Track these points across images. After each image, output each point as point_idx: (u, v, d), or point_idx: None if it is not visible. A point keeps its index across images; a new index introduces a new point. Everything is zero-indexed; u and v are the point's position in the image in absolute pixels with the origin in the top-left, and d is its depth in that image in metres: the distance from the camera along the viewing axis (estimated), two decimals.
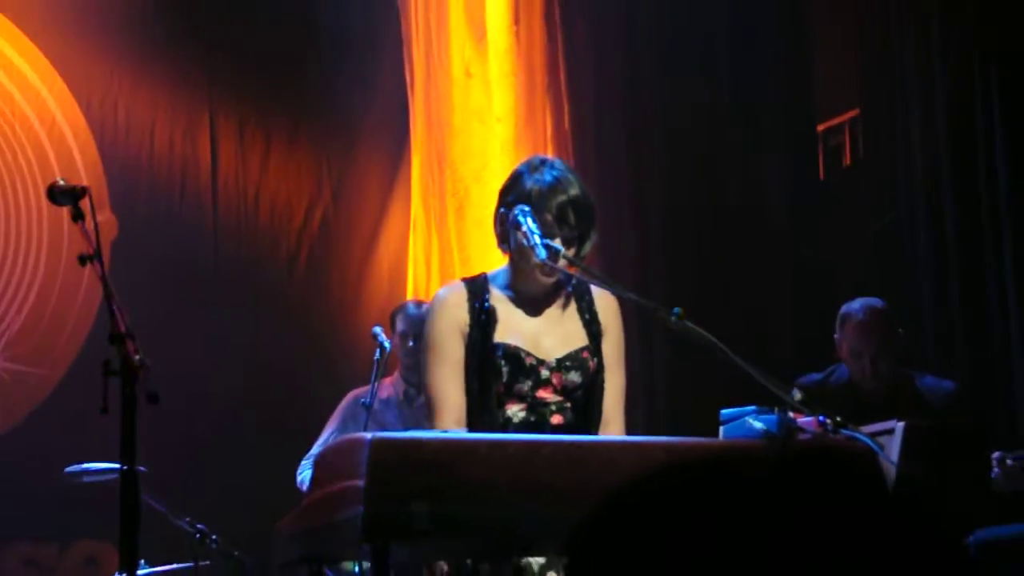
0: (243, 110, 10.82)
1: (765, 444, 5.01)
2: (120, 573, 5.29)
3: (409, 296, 9.83)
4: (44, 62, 10.50)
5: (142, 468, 5.35)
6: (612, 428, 5.76)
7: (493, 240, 5.91)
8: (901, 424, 6.04)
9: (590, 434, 5.67)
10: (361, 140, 10.94)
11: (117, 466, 5.41)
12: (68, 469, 8.02)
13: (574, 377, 5.67)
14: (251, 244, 10.66)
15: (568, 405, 5.67)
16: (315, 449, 7.95)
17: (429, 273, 10.04)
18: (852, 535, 1.35)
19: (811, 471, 1.42)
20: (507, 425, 5.62)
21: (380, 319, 8.97)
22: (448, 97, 10.58)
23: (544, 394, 5.64)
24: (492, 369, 5.62)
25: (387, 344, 8.36)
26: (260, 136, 10.82)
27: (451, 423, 5.60)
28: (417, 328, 7.88)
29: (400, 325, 8.51)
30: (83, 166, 10.27)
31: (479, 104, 10.51)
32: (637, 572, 1.37)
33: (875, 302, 7.91)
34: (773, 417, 5.22)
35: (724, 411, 5.37)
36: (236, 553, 8.44)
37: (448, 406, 5.63)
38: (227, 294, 10.33)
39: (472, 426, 5.60)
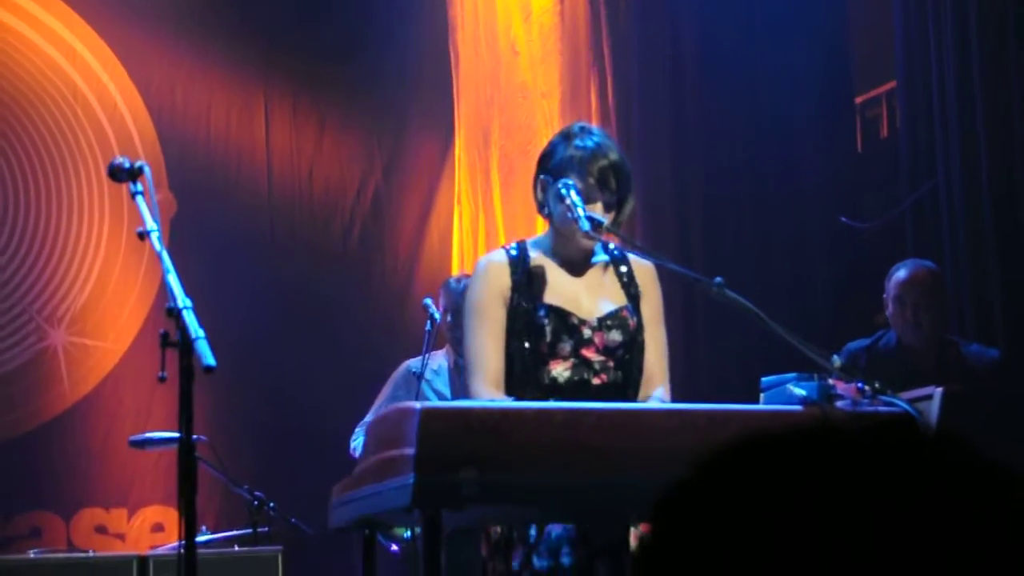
0: (296, 91, 10.84)
1: (805, 411, 5.00)
2: (181, 539, 5.32)
3: (455, 270, 9.81)
4: (104, 48, 10.54)
5: (202, 437, 5.39)
6: (656, 383, 5.78)
7: (538, 214, 5.92)
8: (939, 390, 5.99)
9: (633, 393, 5.69)
10: (410, 118, 10.93)
11: (174, 435, 5.43)
12: (132, 438, 8.04)
13: (616, 336, 5.66)
14: (305, 220, 10.69)
15: (611, 364, 5.66)
16: (368, 417, 7.96)
17: (476, 247, 10.04)
18: (901, 504, 1.34)
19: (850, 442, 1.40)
20: (553, 384, 5.60)
21: (431, 290, 8.98)
22: (494, 74, 10.61)
23: (588, 353, 5.63)
24: (536, 329, 5.61)
25: (437, 315, 8.37)
26: (314, 116, 10.85)
27: (489, 384, 5.60)
28: (457, 303, 7.88)
29: (442, 301, 8.51)
30: (142, 147, 10.30)
31: (524, 80, 10.53)
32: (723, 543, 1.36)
33: (924, 262, 7.90)
34: (813, 384, 5.22)
35: (765, 379, 5.36)
36: (293, 519, 8.47)
37: (487, 368, 5.63)
38: (283, 269, 10.34)
39: (518, 386, 5.60)
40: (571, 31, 10.36)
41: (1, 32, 10.39)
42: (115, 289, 10.36)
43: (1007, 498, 1.35)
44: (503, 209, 10.16)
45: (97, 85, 10.53)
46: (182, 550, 5.28)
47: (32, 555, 8.15)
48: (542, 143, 9.23)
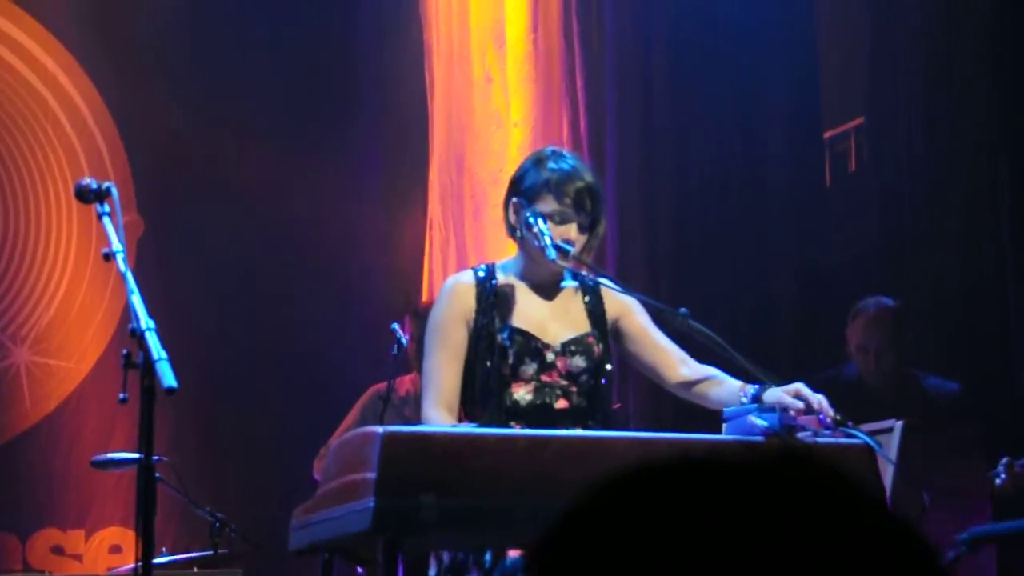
0: (270, 116, 10.81)
1: (766, 442, 5.01)
2: (138, 561, 5.31)
3: (425, 295, 9.82)
4: (77, 68, 10.54)
5: (163, 458, 5.37)
6: (691, 368, 5.76)
7: (510, 241, 5.94)
8: (900, 423, 6.03)
9: (598, 418, 5.67)
10: (385, 142, 10.90)
11: (133, 456, 5.43)
12: (94, 459, 8.03)
13: (579, 362, 5.67)
14: (276, 245, 10.63)
15: (574, 389, 5.66)
16: (333, 441, 7.96)
17: (446, 273, 10.02)
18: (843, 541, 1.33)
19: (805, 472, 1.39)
20: (514, 408, 5.61)
21: (401, 316, 8.97)
22: (468, 101, 10.61)
23: (549, 378, 5.63)
24: (500, 351, 5.61)
25: (404, 340, 8.38)
26: (287, 141, 10.81)
27: (440, 406, 5.62)
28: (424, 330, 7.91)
29: (411, 327, 8.50)
30: (112, 167, 10.27)
31: (498, 108, 10.54)
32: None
33: (887, 300, 7.94)
34: (775, 415, 5.24)
35: (727, 409, 5.39)
36: (252, 541, 8.47)
37: (440, 389, 5.64)
38: (251, 293, 10.33)
39: (479, 408, 5.62)
40: (545, 59, 10.38)
41: None
42: (80, 309, 10.33)
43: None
44: (474, 235, 10.16)
45: (69, 104, 10.52)
46: (139, 571, 5.28)
47: None
48: (513, 170, 9.30)
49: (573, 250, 5.58)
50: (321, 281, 10.68)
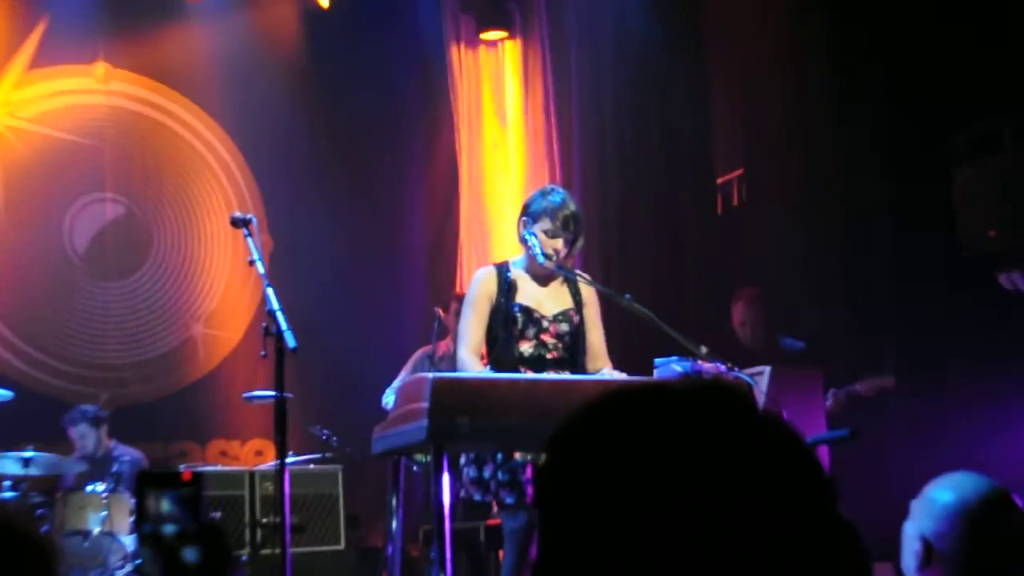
0: (352, 164, 10.65)
1: (682, 380, 5.01)
2: (276, 459, 5.33)
3: (458, 287, 9.77)
4: (225, 136, 10.49)
5: (289, 394, 5.37)
6: (600, 361, 5.80)
7: (513, 249, 5.96)
8: (768, 368, 6.06)
9: (576, 364, 5.69)
10: (430, 183, 10.85)
11: (271, 393, 5.46)
12: (245, 395, 8.04)
13: (564, 327, 5.72)
14: (361, 252, 10.54)
15: (560, 346, 5.70)
16: (395, 384, 7.91)
17: (471, 272, 9.99)
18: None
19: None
20: (521, 357, 5.64)
21: (439, 302, 8.92)
22: (482, 159, 10.58)
23: (545, 337, 5.68)
24: (511, 320, 5.63)
25: (442, 318, 8.36)
26: (367, 181, 10.67)
27: (469, 352, 5.63)
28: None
29: (453, 307, 8.45)
30: (251, 203, 10.25)
31: (502, 165, 10.53)
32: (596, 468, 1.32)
33: (755, 290, 7.95)
34: (688, 363, 5.30)
35: (657, 360, 5.41)
36: (348, 449, 8.44)
37: (470, 340, 5.66)
38: (345, 284, 10.28)
39: (498, 357, 5.62)
40: (532, 133, 10.38)
41: (167, 132, 10.34)
42: (234, 298, 10.32)
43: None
44: (488, 248, 10.23)
45: (219, 158, 10.49)
46: (277, 468, 5.33)
47: (180, 468, 8.13)
48: (514, 207, 9.28)
49: (556, 257, 5.62)
50: (391, 278, 10.60)
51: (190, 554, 1.69)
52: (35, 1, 9.78)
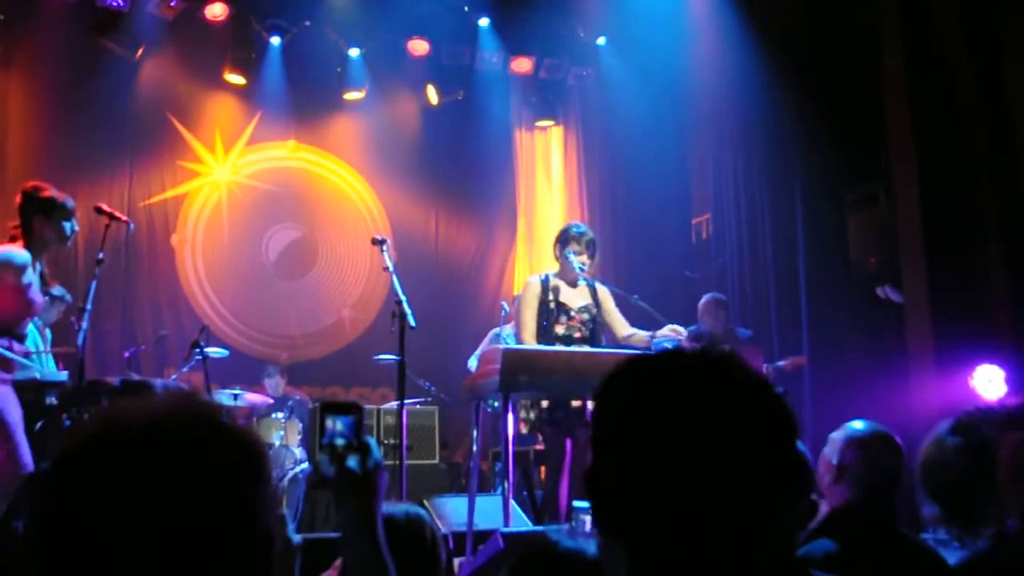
0: (449, 202, 10.55)
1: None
2: (396, 400, 5.28)
3: (515, 291, 9.72)
4: (365, 181, 10.42)
5: (399, 358, 5.29)
6: (627, 328, 5.68)
7: (551, 260, 5.91)
8: (728, 348, 5.95)
9: (594, 341, 5.61)
10: (495, 218, 10.71)
11: (395, 356, 5.41)
12: (375, 357, 7.98)
13: (586, 316, 5.66)
14: (449, 263, 10.46)
15: (583, 328, 5.63)
16: (476, 352, 7.88)
17: (523, 280, 9.96)
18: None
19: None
20: (557, 336, 5.57)
21: (506, 298, 8.89)
22: (535, 201, 10.51)
23: (573, 323, 5.62)
24: (551, 311, 5.57)
25: (507, 309, 8.31)
26: (456, 214, 10.55)
27: (528, 337, 5.56)
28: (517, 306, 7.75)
29: (515, 305, 8.36)
30: (384, 229, 10.21)
31: (549, 205, 10.47)
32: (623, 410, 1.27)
33: (718, 295, 7.82)
34: (675, 341, 5.21)
35: (655, 340, 5.34)
36: (443, 395, 8.41)
37: (527, 329, 5.60)
38: (438, 284, 10.11)
39: (543, 337, 5.56)
40: (569, 187, 10.36)
41: (330, 183, 10.34)
42: (370, 292, 10.25)
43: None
44: (536, 260, 10.09)
45: (361, 197, 10.43)
46: (398, 408, 5.28)
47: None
48: (554, 229, 9.27)
49: (585, 268, 5.57)
50: (472, 282, 10.50)
51: (353, 461, 1.67)
52: (253, 102, 9.84)
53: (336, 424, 1.69)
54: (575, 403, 5.46)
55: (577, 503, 4.34)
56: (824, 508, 2.87)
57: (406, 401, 5.39)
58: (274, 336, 9.80)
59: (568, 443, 5.43)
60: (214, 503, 1.07)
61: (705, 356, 1.26)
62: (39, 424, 5.53)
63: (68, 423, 4.46)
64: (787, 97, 7.97)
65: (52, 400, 5.76)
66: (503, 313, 8.35)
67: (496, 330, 8.22)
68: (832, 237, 7.79)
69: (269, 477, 1.16)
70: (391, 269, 5.34)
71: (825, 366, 7.53)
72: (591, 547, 1.84)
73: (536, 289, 5.66)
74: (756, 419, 1.18)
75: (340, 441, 1.68)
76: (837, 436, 2.95)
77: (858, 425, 2.95)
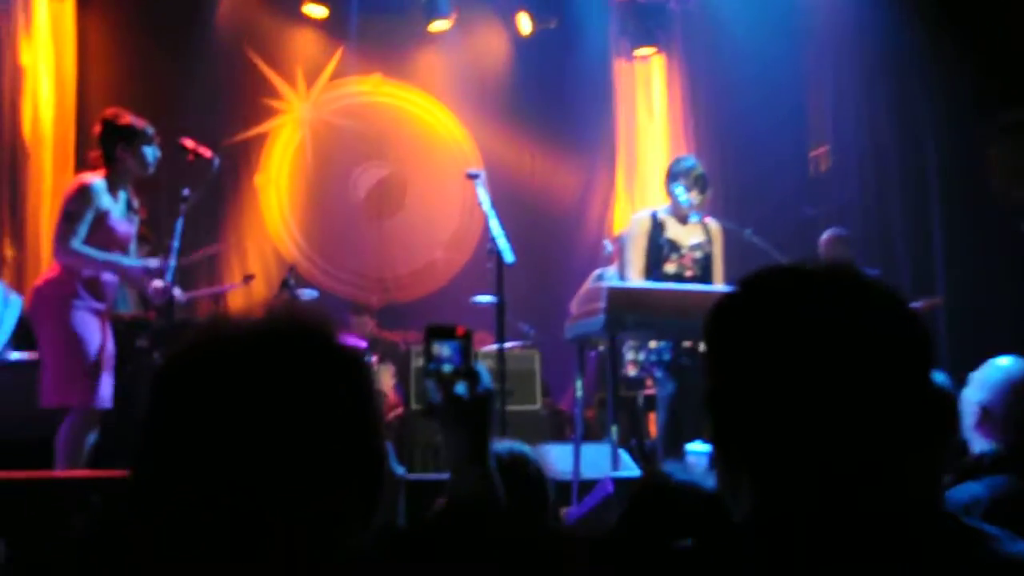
0: (549, 135, 10.53)
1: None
2: (495, 343, 5.33)
3: (615, 229, 9.65)
4: (454, 118, 10.46)
5: (497, 299, 5.30)
6: (718, 279, 5.68)
7: (654, 196, 5.88)
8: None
9: (705, 280, 5.57)
10: (594, 153, 10.60)
11: (493, 298, 5.45)
12: (472, 299, 8.00)
13: (698, 254, 5.62)
14: (548, 201, 10.44)
15: (696, 267, 5.58)
16: (578, 295, 7.84)
17: (624, 218, 9.86)
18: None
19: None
20: (666, 275, 5.53)
21: (608, 237, 8.85)
22: (636, 132, 10.36)
23: (684, 261, 5.57)
24: (660, 248, 5.52)
25: (609, 248, 8.28)
26: (552, 150, 10.57)
27: (635, 274, 5.53)
28: (621, 243, 7.65)
29: (615, 244, 8.32)
30: (478, 162, 10.21)
31: (651, 138, 10.35)
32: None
33: (841, 230, 7.61)
34: None
35: None
36: (544, 338, 8.42)
37: (634, 267, 5.58)
38: (543, 224, 10.11)
39: (651, 275, 5.53)
40: (672, 119, 10.24)
41: (418, 118, 10.40)
42: (464, 231, 10.30)
43: None
44: (637, 196, 9.99)
45: (454, 137, 10.47)
46: (499, 348, 5.32)
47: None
48: (658, 165, 9.15)
49: (695, 203, 5.51)
50: (569, 220, 10.47)
51: (460, 388, 1.66)
52: (335, 36, 9.92)
53: (443, 349, 1.68)
54: (686, 344, 5.42)
55: (690, 447, 4.31)
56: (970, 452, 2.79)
57: (506, 344, 5.41)
58: (364, 278, 9.95)
59: (679, 387, 5.39)
60: (327, 411, 1.07)
61: (840, 267, 1.21)
62: (128, 368, 5.73)
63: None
64: (921, 10, 7.70)
65: (142, 343, 5.96)
66: (606, 252, 8.32)
67: (599, 271, 8.17)
68: (971, 168, 7.54)
69: (376, 396, 1.16)
70: (486, 205, 5.31)
71: (963, 308, 7.33)
72: (708, 481, 1.85)
73: (644, 225, 5.62)
74: (894, 337, 1.13)
75: (447, 367, 1.67)
76: (980, 376, 2.86)
77: (1004, 363, 2.85)
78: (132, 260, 4.76)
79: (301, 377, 1.07)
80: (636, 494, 1.94)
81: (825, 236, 7.55)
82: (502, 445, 2.51)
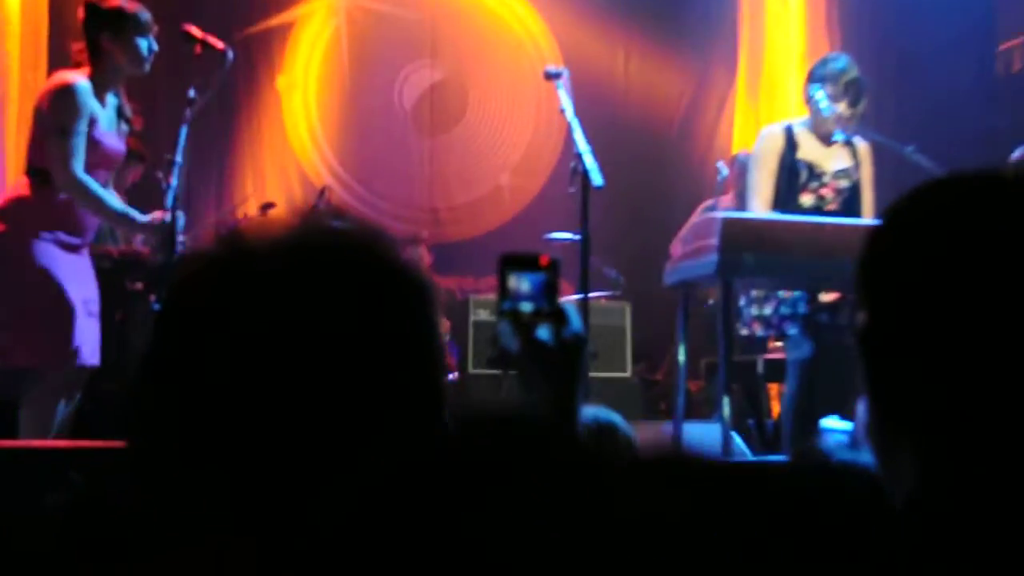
0: (649, 30, 10.51)
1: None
2: (576, 294, 5.33)
3: (733, 149, 9.56)
4: (536, 14, 10.45)
5: (581, 236, 5.26)
6: (867, 210, 5.60)
7: (787, 107, 5.83)
8: None
9: (853, 217, 5.48)
10: (707, 53, 10.52)
11: (573, 235, 5.41)
12: (546, 235, 7.98)
13: (843, 183, 5.56)
14: (642, 110, 10.41)
15: (838, 200, 5.53)
16: (681, 234, 7.77)
17: (746, 134, 9.79)
18: None
19: None
20: (801, 208, 5.48)
21: (722, 158, 8.78)
22: (762, 33, 10.25)
23: (824, 192, 5.53)
24: (795, 173, 5.47)
25: (724, 172, 8.22)
26: (652, 50, 10.54)
27: (762, 204, 5.47)
28: (741, 167, 7.59)
29: (734, 167, 8.25)
30: (560, 62, 10.16)
31: (781, 37, 10.23)
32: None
33: None
34: None
35: None
36: (637, 287, 8.38)
37: (760, 195, 5.51)
38: (636, 137, 10.05)
39: (781, 208, 5.46)
40: (813, 5, 10.08)
41: (481, 6, 10.37)
42: (537, 150, 10.27)
43: None
44: (763, 106, 9.88)
45: (529, 29, 10.43)
46: (583, 301, 5.31)
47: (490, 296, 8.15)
48: (788, 72, 9.04)
49: (843, 117, 5.48)
50: (672, 139, 10.40)
51: (543, 332, 1.65)
52: None
53: (522, 284, 1.67)
54: (825, 297, 5.37)
55: (825, 423, 4.27)
56: None
57: (590, 294, 5.40)
58: (411, 208, 10.03)
59: (814, 350, 5.36)
60: (383, 351, 1.06)
61: None
62: (119, 315, 5.82)
63: (157, 309, 4.63)
64: None
65: (135, 285, 6.05)
66: (720, 178, 8.26)
67: (710, 202, 8.12)
68: None
69: (439, 329, 1.15)
70: (569, 111, 5.28)
71: None
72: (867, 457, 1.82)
73: (776, 143, 5.57)
74: None
75: (527, 306, 1.66)
76: None
77: None
78: (144, 217, 4.81)
79: (350, 306, 1.07)
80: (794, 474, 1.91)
81: (1018, 153, 7.39)
82: (588, 411, 2.53)
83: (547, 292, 1.67)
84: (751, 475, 0.84)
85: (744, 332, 5.68)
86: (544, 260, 1.68)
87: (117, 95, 4.79)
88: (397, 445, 1.02)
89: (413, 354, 1.10)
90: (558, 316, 1.67)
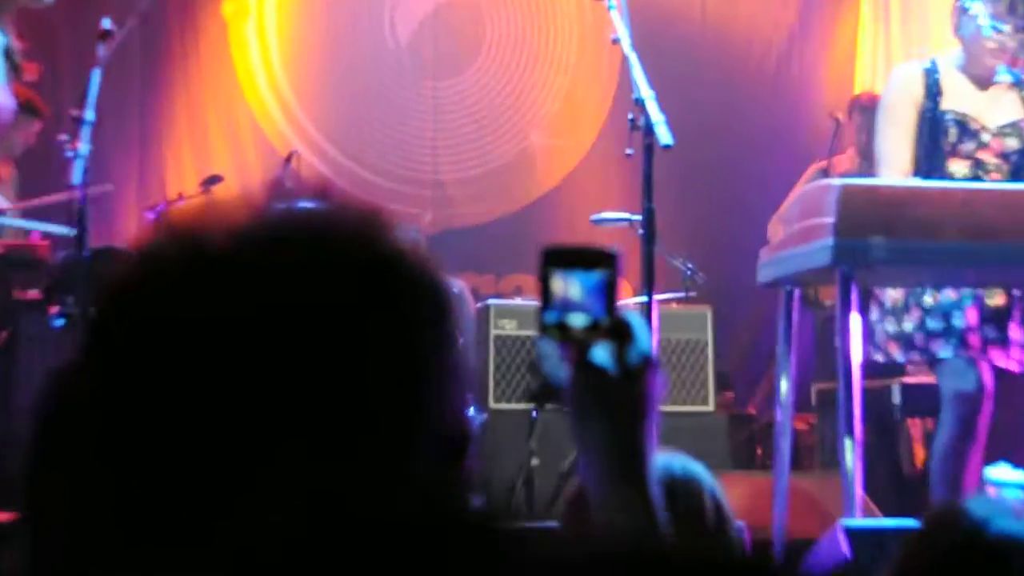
0: None
1: None
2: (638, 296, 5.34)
3: (857, 88, 9.60)
4: None
5: (644, 217, 5.28)
6: None
7: (932, 39, 5.83)
8: None
9: None
10: None
11: (632, 216, 5.41)
12: (593, 217, 8.02)
13: (1012, 143, 5.52)
14: (731, 49, 10.52)
15: (1005, 168, 5.49)
16: (781, 210, 7.82)
17: (875, 68, 9.82)
18: None
19: None
20: (952, 176, 5.46)
21: (837, 105, 8.80)
22: None
23: (984, 155, 5.50)
24: (942, 131, 5.46)
25: (840, 126, 8.27)
26: None
27: (896, 172, 5.45)
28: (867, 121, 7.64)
29: (855, 116, 8.29)
30: None
31: None
32: None
33: None
34: None
35: None
36: (720, 288, 8.43)
37: (894, 160, 5.49)
38: (703, 84, 10.14)
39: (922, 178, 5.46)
40: None
41: None
42: (581, 99, 10.35)
43: None
44: (901, 36, 9.92)
45: None
46: (645, 303, 5.30)
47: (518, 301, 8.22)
48: None
49: (1007, 46, 5.45)
50: (766, 84, 10.52)
51: (600, 354, 1.65)
52: None
53: (570, 287, 1.65)
54: (990, 300, 5.36)
55: (992, 473, 4.24)
56: None
57: (656, 297, 5.42)
58: (407, 182, 10.14)
59: (979, 378, 5.32)
60: (385, 376, 1.07)
61: None
62: (3, 332, 5.84)
63: (60, 324, 4.67)
64: None
65: (28, 292, 6.08)
66: (834, 134, 8.30)
67: (821, 165, 8.17)
68: None
69: (457, 349, 1.17)
70: (626, 42, 5.29)
71: None
72: None
73: (913, 89, 5.56)
74: None
75: (578, 318, 1.65)
76: None
77: None
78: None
79: (344, 318, 1.07)
80: (913, 554, 1.93)
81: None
82: (659, 461, 2.55)
83: (606, 298, 1.67)
84: None
85: (878, 357, 5.64)
86: (601, 255, 1.68)
87: (3, 32, 4.82)
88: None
89: (423, 381, 1.11)
90: (620, 331, 1.66)
